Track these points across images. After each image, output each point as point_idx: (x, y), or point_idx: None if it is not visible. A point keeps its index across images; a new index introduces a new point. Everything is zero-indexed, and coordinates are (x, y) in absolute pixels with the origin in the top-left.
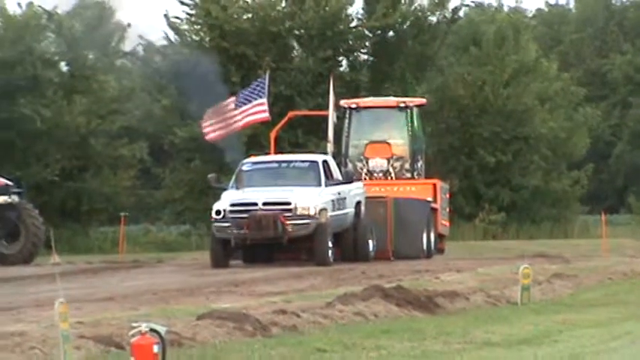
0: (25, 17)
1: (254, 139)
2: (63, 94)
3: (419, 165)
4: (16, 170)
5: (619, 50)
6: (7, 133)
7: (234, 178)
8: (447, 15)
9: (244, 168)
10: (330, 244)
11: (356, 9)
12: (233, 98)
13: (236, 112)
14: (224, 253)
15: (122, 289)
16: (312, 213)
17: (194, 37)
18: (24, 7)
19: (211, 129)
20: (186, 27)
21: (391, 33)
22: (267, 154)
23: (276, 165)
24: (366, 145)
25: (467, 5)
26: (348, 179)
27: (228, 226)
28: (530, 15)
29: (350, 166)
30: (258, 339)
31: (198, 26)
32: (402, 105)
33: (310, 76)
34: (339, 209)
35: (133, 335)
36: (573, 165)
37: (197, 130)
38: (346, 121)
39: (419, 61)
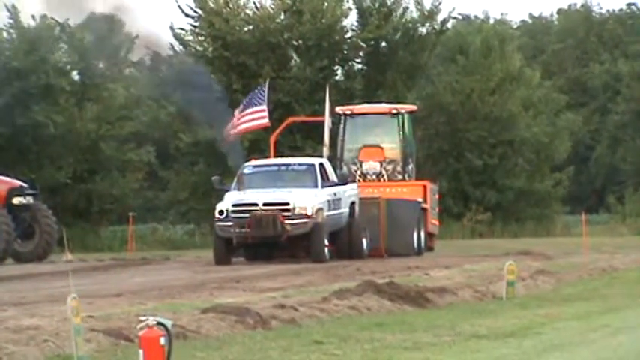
0: (39, 29)
1: (255, 144)
2: (75, 102)
3: (410, 168)
4: (31, 173)
5: (598, 60)
6: (22, 138)
7: (236, 180)
8: (435, 27)
9: (245, 171)
10: (326, 242)
11: (350, 21)
12: (240, 107)
13: (238, 117)
14: (226, 250)
15: (131, 284)
16: (309, 213)
17: (198, 47)
18: (38, 20)
19: (225, 135)
20: (190, 38)
21: (383, 44)
22: (267, 157)
23: (275, 168)
24: (360, 149)
25: (455, 18)
26: (343, 181)
27: (230, 226)
28: (515, 26)
29: (345, 168)
30: (258, 331)
31: (202, 37)
32: (394, 111)
33: (307, 84)
34: (334, 209)
35: (141, 328)
36: (555, 167)
37: (201, 135)
38: (341, 126)
39: (410, 70)
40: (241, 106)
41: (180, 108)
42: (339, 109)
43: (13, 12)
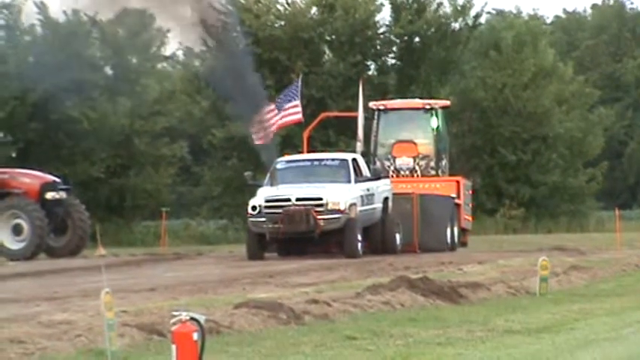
0: (72, 24)
1: (288, 139)
2: (108, 97)
3: (443, 163)
4: (64, 168)
5: (632, 55)
6: (56, 133)
7: (268, 175)
8: (468, 22)
9: (278, 166)
10: (359, 238)
11: (383, 16)
12: (273, 105)
13: (273, 114)
14: (259, 246)
15: (164, 279)
16: (342, 208)
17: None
18: (70, 15)
19: (257, 134)
20: None
21: (417, 39)
22: (300, 152)
23: (308, 163)
24: (394, 144)
25: (488, 13)
26: (376, 176)
27: (263, 221)
28: (549, 21)
29: (378, 164)
30: (291, 327)
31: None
32: (428, 107)
33: (341, 79)
34: (367, 204)
35: (173, 323)
36: (589, 163)
37: (234, 130)
38: (375, 121)
39: (443, 65)
40: (273, 105)
41: (213, 103)
42: (372, 104)
43: (42, 8)
